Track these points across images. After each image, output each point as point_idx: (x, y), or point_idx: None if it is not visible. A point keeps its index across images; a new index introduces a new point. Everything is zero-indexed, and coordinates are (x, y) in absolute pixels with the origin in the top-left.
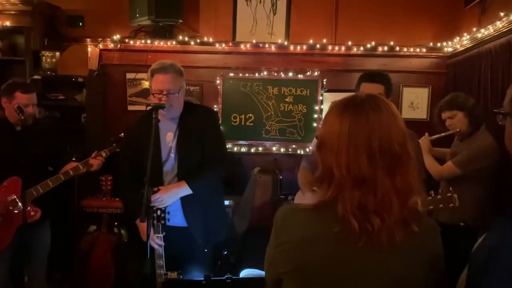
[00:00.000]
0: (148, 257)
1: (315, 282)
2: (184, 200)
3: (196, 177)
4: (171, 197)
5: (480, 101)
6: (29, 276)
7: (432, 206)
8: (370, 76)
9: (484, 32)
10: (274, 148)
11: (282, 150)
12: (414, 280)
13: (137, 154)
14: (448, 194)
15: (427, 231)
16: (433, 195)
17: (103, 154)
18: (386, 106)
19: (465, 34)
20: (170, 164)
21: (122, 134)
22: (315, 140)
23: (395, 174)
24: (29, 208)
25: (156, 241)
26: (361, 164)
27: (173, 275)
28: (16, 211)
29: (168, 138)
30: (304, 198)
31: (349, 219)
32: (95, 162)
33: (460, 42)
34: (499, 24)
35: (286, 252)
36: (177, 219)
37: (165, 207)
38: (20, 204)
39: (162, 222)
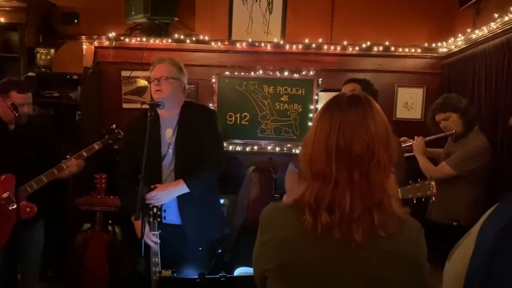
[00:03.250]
0: (142, 254)
1: (295, 279)
2: (180, 198)
3: (193, 176)
4: (167, 195)
5: (474, 101)
6: (22, 274)
7: (410, 195)
8: (348, 79)
9: (479, 33)
10: (269, 147)
11: (277, 149)
12: (390, 279)
13: (136, 151)
14: (426, 182)
15: (403, 232)
16: (411, 183)
17: (96, 146)
18: (362, 106)
19: (460, 35)
20: (168, 159)
21: (114, 125)
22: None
23: (353, 172)
24: (24, 204)
25: (152, 239)
26: (320, 159)
27: (167, 273)
28: (11, 209)
29: (168, 134)
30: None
31: (307, 213)
32: (72, 164)
33: (455, 43)
34: (493, 25)
35: (269, 250)
36: (172, 216)
37: (161, 205)
38: (14, 201)
39: (158, 219)
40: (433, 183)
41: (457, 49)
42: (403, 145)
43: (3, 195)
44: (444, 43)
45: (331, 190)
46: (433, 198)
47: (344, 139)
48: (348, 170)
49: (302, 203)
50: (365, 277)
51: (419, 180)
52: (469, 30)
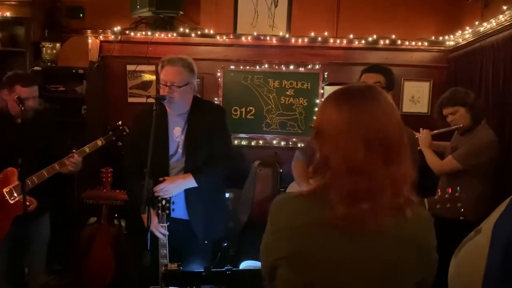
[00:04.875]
0: (148, 248)
1: (309, 267)
2: (187, 193)
3: (202, 172)
4: (176, 188)
5: (481, 95)
6: (29, 267)
7: (439, 206)
8: (371, 67)
9: (487, 26)
10: (274, 142)
11: (283, 143)
12: (404, 267)
13: (142, 145)
14: (456, 194)
15: (420, 220)
16: (439, 194)
17: (99, 142)
18: (383, 96)
19: (467, 28)
20: (177, 158)
21: (120, 122)
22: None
23: (391, 163)
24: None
25: (161, 230)
26: (358, 153)
27: (173, 266)
28: (12, 202)
29: (176, 132)
30: (299, 187)
31: (339, 206)
32: (69, 162)
33: (462, 36)
34: (501, 18)
35: (280, 238)
36: (179, 211)
37: (170, 197)
38: (15, 194)
39: (167, 212)
40: (463, 195)
41: (465, 42)
42: None
43: (4, 189)
44: (451, 36)
45: (369, 182)
46: (462, 210)
47: (378, 129)
48: (383, 158)
49: (324, 191)
50: (382, 263)
51: (448, 190)
52: (476, 23)
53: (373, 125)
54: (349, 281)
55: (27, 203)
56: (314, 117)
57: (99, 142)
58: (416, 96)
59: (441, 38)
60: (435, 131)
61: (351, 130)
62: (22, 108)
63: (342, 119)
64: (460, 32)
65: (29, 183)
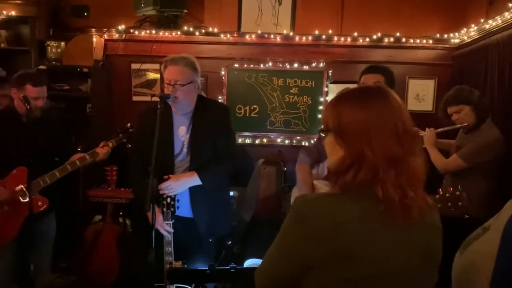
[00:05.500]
0: (153, 246)
1: (358, 262)
2: (192, 191)
3: (206, 170)
4: (181, 185)
5: (487, 93)
6: (35, 265)
7: (440, 205)
8: (370, 68)
9: (492, 23)
10: (278, 140)
11: (287, 141)
12: (437, 251)
13: (147, 144)
14: (457, 193)
15: (435, 207)
16: (441, 193)
17: (110, 144)
18: (393, 93)
19: (473, 25)
20: (182, 158)
21: (129, 124)
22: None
23: (417, 153)
24: (36, 198)
25: (166, 228)
26: (393, 146)
27: (178, 264)
28: (23, 201)
29: (181, 131)
30: (300, 191)
31: (391, 197)
32: (101, 151)
33: (467, 34)
34: (507, 15)
35: (319, 238)
36: (184, 209)
37: (174, 195)
38: (27, 194)
39: (172, 209)
40: (464, 194)
41: (470, 40)
42: None
43: (16, 188)
44: (456, 33)
45: (408, 172)
46: (466, 215)
47: (406, 123)
48: (413, 150)
49: (366, 187)
50: (419, 249)
51: (449, 189)
52: (482, 20)
53: (398, 118)
54: (397, 270)
55: (40, 203)
56: (319, 116)
57: (110, 144)
58: (421, 94)
59: (446, 35)
60: (440, 129)
61: (381, 125)
62: (28, 106)
63: (371, 116)
64: (465, 29)
65: (41, 183)
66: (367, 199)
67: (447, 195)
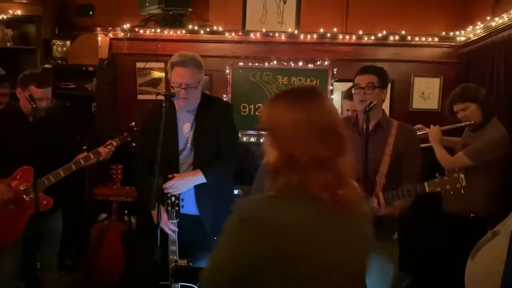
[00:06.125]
0: (158, 244)
1: (305, 262)
2: (197, 189)
3: (211, 168)
4: (185, 184)
5: (493, 91)
6: (41, 263)
7: (439, 188)
8: (363, 68)
9: (498, 21)
10: None
11: None
12: (371, 234)
13: (153, 142)
14: (455, 175)
15: (362, 195)
16: (438, 176)
17: (114, 143)
18: (324, 94)
19: (479, 23)
20: (186, 154)
21: (133, 123)
22: None
23: (346, 153)
24: (41, 197)
25: (170, 227)
26: (321, 148)
27: (183, 262)
28: (28, 200)
29: (186, 128)
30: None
31: (322, 198)
32: (104, 150)
33: (473, 31)
34: None
35: (263, 240)
36: (189, 207)
37: (179, 194)
38: (32, 193)
39: (176, 208)
40: (462, 176)
41: (476, 38)
42: (418, 133)
43: (21, 186)
44: (462, 31)
45: (334, 171)
46: (462, 191)
47: (330, 123)
48: (339, 150)
49: (300, 188)
50: (359, 239)
51: (446, 173)
52: (488, 18)
53: (326, 120)
54: (343, 263)
55: (44, 202)
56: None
57: (114, 143)
58: (426, 92)
59: (451, 33)
60: (446, 127)
61: (309, 127)
62: (34, 105)
63: (299, 118)
64: (471, 27)
65: (46, 182)
66: (303, 200)
67: (445, 178)
